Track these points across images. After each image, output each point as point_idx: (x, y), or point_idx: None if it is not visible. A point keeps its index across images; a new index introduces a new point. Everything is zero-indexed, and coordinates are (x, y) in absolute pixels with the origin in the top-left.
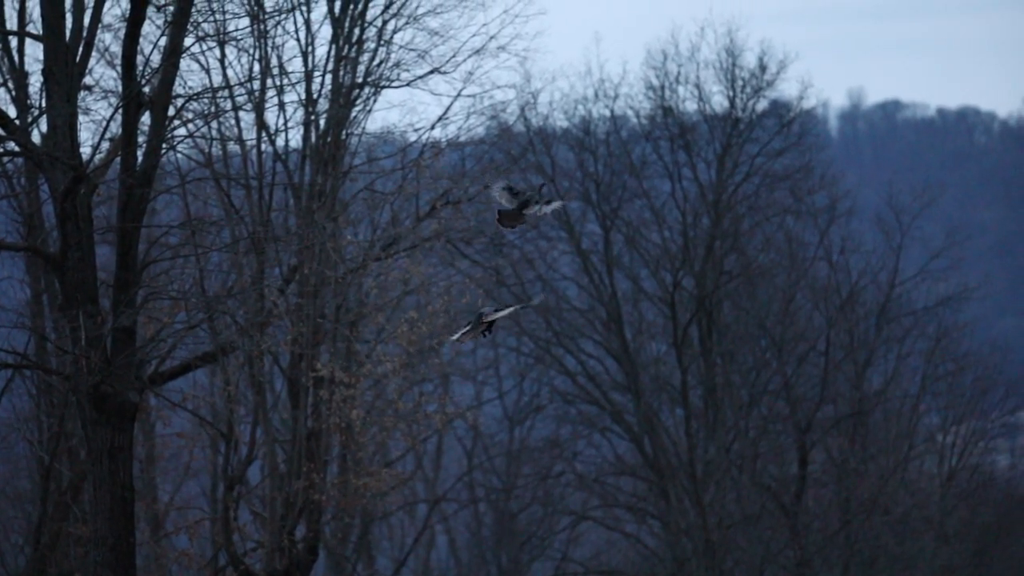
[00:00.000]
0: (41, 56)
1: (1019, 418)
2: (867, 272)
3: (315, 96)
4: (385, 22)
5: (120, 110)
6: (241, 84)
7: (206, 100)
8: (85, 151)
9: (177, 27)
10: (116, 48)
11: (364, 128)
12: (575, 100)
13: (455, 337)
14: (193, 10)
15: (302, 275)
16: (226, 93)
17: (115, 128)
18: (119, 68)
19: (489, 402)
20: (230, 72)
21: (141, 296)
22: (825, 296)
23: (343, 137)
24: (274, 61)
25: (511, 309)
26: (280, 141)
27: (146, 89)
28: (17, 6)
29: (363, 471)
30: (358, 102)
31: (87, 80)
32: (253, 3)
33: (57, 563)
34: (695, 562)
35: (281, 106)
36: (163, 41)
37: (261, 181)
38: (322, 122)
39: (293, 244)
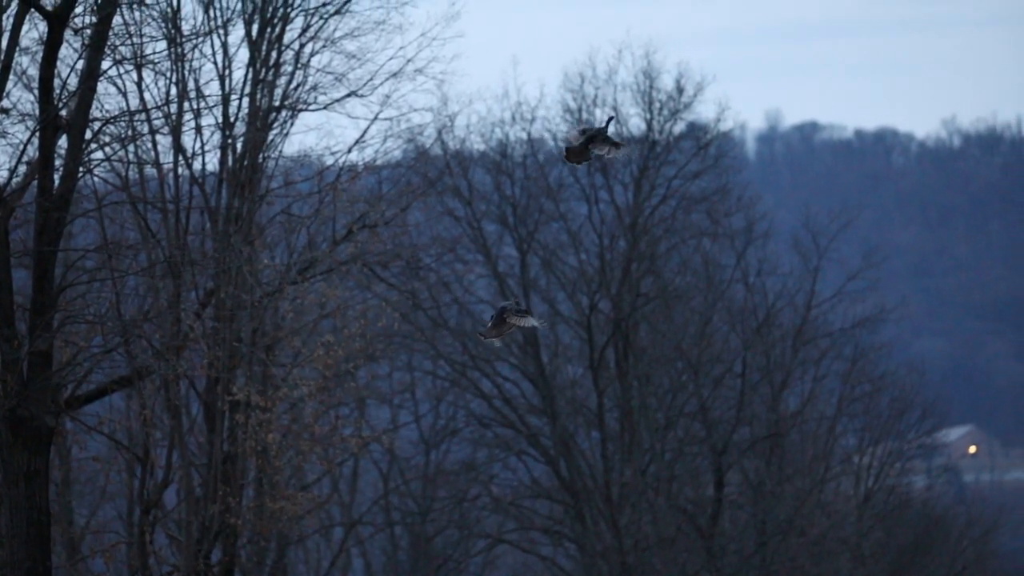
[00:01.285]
0: None
1: (935, 439)
2: (784, 294)
3: (232, 119)
4: (302, 45)
5: (37, 133)
6: (158, 107)
7: (123, 123)
8: (2, 174)
9: (94, 50)
10: (33, 71)
11: (281, 151)
12: (492, 123)
13: (484, 334)
14: (111, 33)
15: (218, 299)
16: (143, 116)
17: (32, 151)
18: (36, 91)
19: (405, 425)
20: (147, 95)
21: (57, 320)
22: (742, 318)
23: (260, 160)
24: (191, 84)
25: (531, 322)
26: (197, 164)
27: (63, 112)
28: None
29: (279, 495)
30: (275, 125)
31: (4, 103)
32: (170, 27)
33: None
34: None
35: (198, 129)
36: (80, 64)
37: (178, 204)
38: (239, 145)
39: (209, 268)
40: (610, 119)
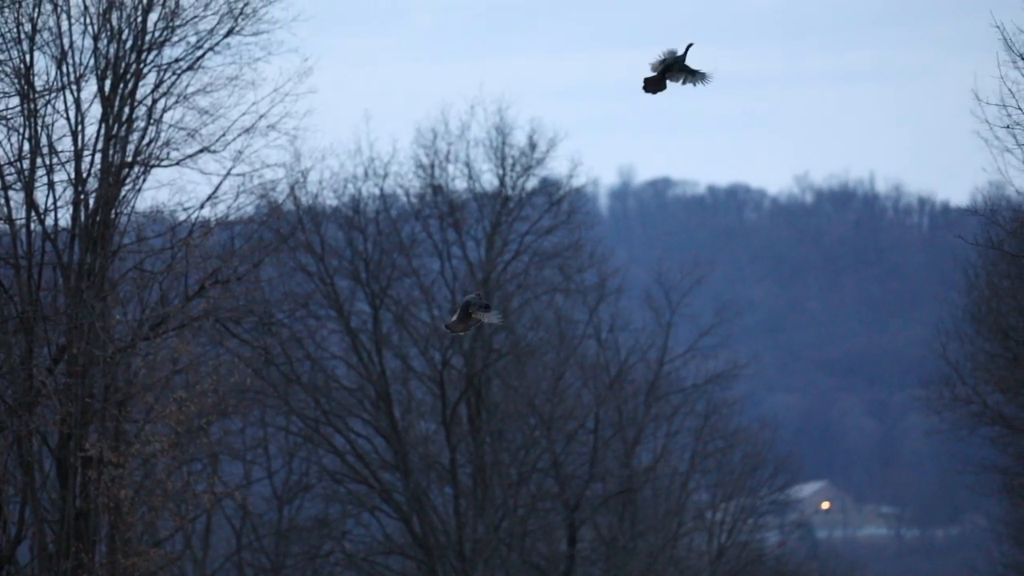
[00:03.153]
0: None
1: (788, 495)
2: (636, 350)
3: (85, 175)
4: (155, 101)
5: None
6: (11, 163)
7: None
8: None
9: None
10: None
11: (134, 207)
12: (345, 178)
13: (450, 327)
14: None
15: (71, 354)
16: None
17: None
18: None
19: (258, 481)
20: (0, 151)
21: None
22: (594, 374)
23: (113, 216)
24: (44, 140)
25: (492, 318)
26: (50, 220)
27: None
28: None
29: (132, 551)
30: (128, 181)
31: None
32: (23, 82)
33: None
34: None
35: (51, 185)
36: None
37: (30, 260)
38: (92, 201)
39: (61, 323)
40: (689, 46)
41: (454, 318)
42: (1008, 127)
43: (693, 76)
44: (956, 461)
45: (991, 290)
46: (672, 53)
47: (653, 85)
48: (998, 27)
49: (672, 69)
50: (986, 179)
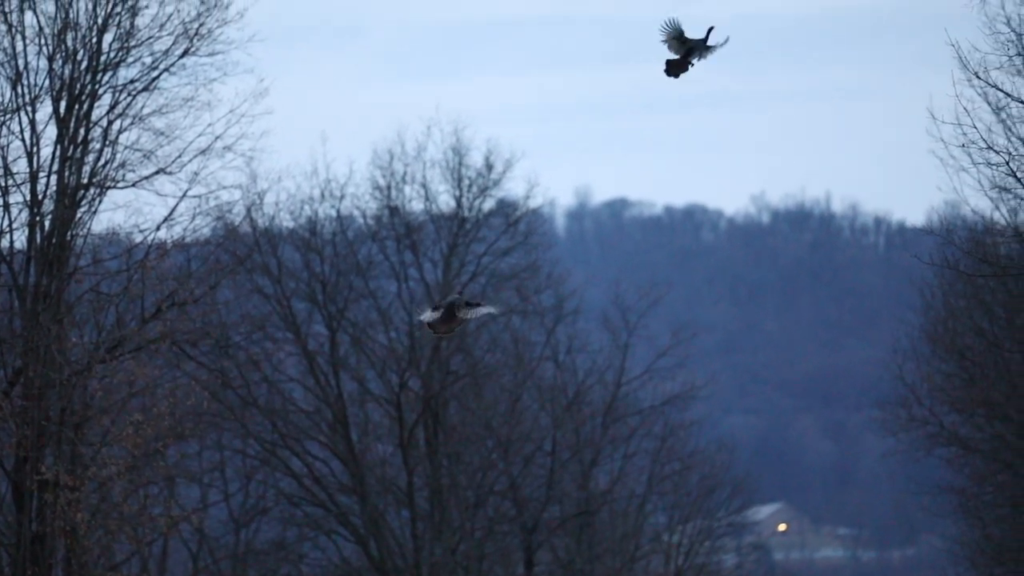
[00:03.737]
0: None
1: (745, 517)
2: (594, 371)
3: (40, 197)
4: (111, 123)
5: None
6: None
7: None
8: None
9: None
10: None
11: (90, 229)
12: (302, 200)
13: (424, 318)
14: None
15: (27, 377)
16: None
17: None
18: None
19: (215, 504)
20: None
21: None
22: (551, 396)
23: (68, 238)
24: None
25: (483, 311)
26: (5, 242)
27: None
28: None
29: (88, 574)
30: (84, 203)
31: None
32: None
33: None
34: None
35: (6, 207)
36: None
37: None
38: (47, 223)
39: (17, 346)
40: (710, 29)
41: (437, 316)
42: (963, 146)
43: (709, 50)
44: (913, 482)
45: (947, 310)
46: (677, 27)
47: (677, 68)
48: (953, 45)
49: (694, 51)
50: (942, 198)
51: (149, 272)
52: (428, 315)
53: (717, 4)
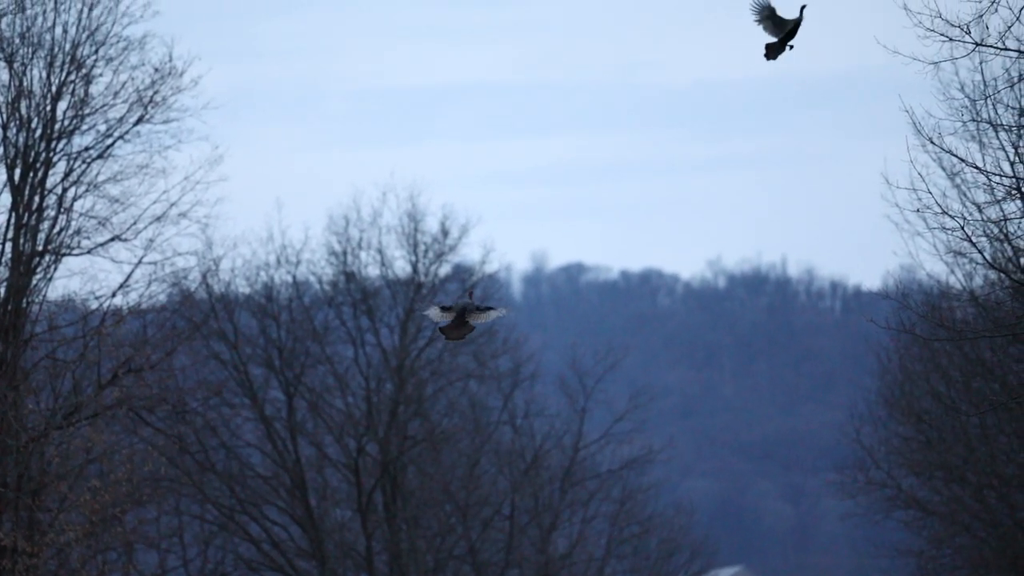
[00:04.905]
0: None
1: None
2: (551, 436)
3: None
4: (65, 190)
5: None
6: None
7: None
8: None
9: None
10: None
11: (45, 296)
12: (258, 266)
13: (431, 315)
14: None
15: None
16: None
17: None
18: None
19: (174, 570)
20: None
21: None
22: (509, 460)
23: (24, 305)
24: None
25: (494, 316)
26: None
27: None
28: None
29: None
30: (39, 270)
31: None
32: None
33: None
34: None
35: None
36: None
37: None
38: (2, 290)
39: None
40: (803, 8)
41: (448, 321)
42: (918, 211)
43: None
44: (871, 545)
45: (904, 374)
46: (766, 3)
47: (776, 51)
48: (907, 111)
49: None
50: (898, 263)
51: (105, 339)
52: (435, 312)
53: (674, 71)
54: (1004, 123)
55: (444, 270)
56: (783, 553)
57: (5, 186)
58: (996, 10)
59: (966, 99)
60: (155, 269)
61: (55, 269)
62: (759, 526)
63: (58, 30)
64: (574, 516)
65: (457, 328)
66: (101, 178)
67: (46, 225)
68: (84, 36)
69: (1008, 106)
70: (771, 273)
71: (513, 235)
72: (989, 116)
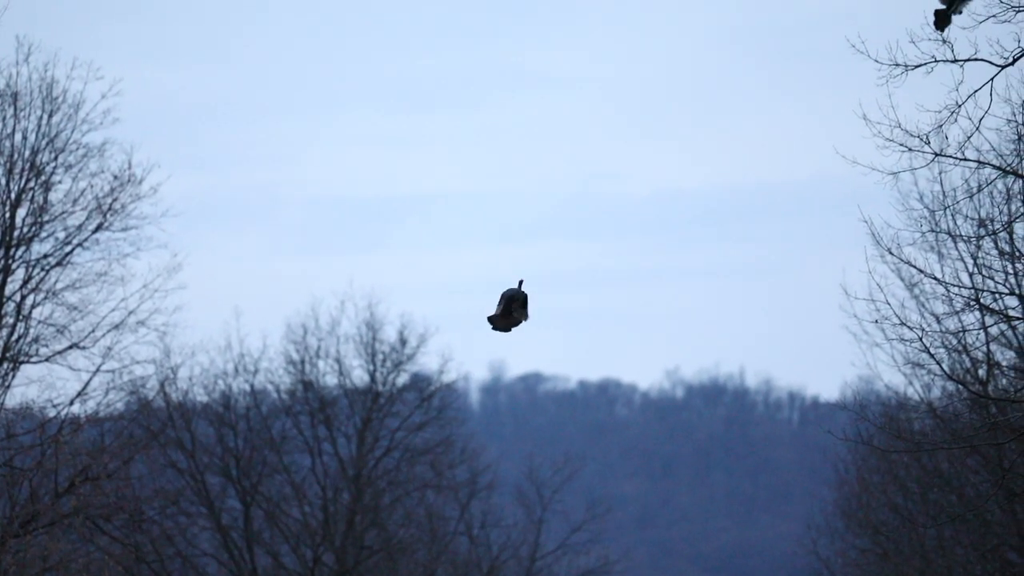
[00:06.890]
0: None
1: None
2: (508, 546)
3: None
4: (24, 297)
5: None
6: None
7: None
8: None
9: None
10: None
11: (3, 403)
12: (215, 375)
13: (495, 324)
14: None
15: None
16: None
17: None
18: None
19: None
20: None
21: None
22: (466, 571)
23: None
24: None
25: (527, 315)
26: None
27: None
28: None
29: None
30: None
31: None
32: None
33: None
34: None
35: None
36: None
37: None
38: None
39: None
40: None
41: (496, 310)
42: (877, 322)
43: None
44: None
45: (861, 485)
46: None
47: (945, 22)
48: (866, 221)
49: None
50: (855, 374)
51: (62, 447)
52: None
53: (637, 182)
54: (963, 234)
55: (402, 379)
56: None
57: None
58: (956, 120)
59: (925, 209)
60: (113, 377)
61: (13, 377)
62: None
63: (17, 136)
64: None
65: (504, 318)
66: (60, 285)
67: (4, 333)
68: (44, 143)
69: (967, 216)
70: (729, 383)
71: (471, 344)
72: (948, 227)
